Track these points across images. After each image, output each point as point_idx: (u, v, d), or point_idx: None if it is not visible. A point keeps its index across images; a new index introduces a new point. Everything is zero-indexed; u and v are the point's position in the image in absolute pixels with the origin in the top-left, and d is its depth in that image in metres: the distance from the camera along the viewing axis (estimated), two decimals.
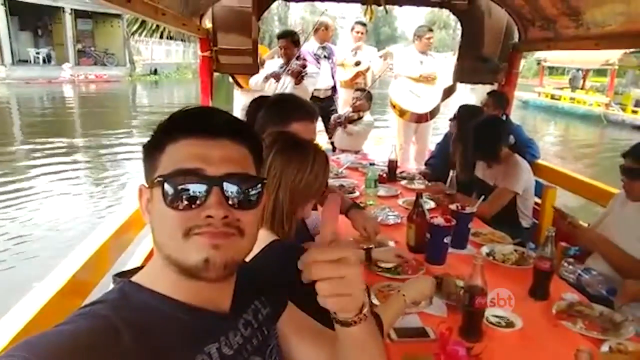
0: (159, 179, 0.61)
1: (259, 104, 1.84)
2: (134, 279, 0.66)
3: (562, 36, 2.41)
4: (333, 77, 4.35)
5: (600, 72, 17.47)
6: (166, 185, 0.60)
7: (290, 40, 3.63)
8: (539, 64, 19.39)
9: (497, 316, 1.30)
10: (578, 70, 17.51)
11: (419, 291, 1.25)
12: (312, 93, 4.06)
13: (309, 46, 4.18)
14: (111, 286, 0.67)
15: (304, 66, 3.60)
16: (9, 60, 18.35)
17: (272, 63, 3.82)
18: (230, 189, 0.61)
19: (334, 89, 4.38)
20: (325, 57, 4.25)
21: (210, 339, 0.64)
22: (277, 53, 3.96)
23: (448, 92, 3.96)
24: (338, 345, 0.70)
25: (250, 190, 0.63)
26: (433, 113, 4.05)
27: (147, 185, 0.65)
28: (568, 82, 18.37)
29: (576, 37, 2.29)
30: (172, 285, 0.63)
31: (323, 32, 4.21)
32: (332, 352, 0.75)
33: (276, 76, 3.53)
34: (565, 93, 16.87)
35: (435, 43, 4.33)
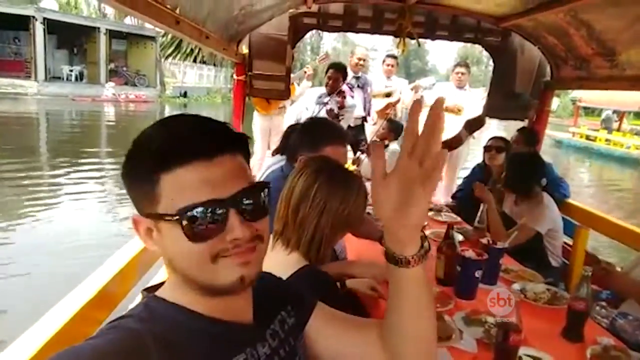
0: (171, 217, 0.60)
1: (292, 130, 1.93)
2: (158, 293, 0.68)
3: (595, 76, 2.45)
4: (365, 108, 4.49)
5: (639, 115, 17.18)
6: (185, 222, 0.59)
7: (340, 73, 3.84)
8: (574, 103, 19.25)
9: (530, 356, 1.28)
10: (614, 112, 17.28)
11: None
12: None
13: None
14: (139, 300, 0.70)
15: (342, 106, 3.78)
16: (42, 77, 19.51)
17: (312, 92, 4.04)
18: (245, 205, 0.63)
19: (364, 118, 4.52)
20: (359, 87, 4.44)
21: (236, 350, 0.66)
22: (301, 77, 4.30)
23: (474, 124, 3.94)
24: (393, 302, 0.71)
25: (260, 199, 0.65)
26: (452, 143, 3.98)
27: (145, 216, 0.64)
28: (600, 123, 18.10)
29: (610, 78, 2.33)
30: (193, 300, 0.65)
31: (362, 63, 4.43)
32: (380, 333, 0.77)
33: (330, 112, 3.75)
34: (600, 134, 16.62)
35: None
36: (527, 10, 2.38)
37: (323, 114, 3.73)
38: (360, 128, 4.45)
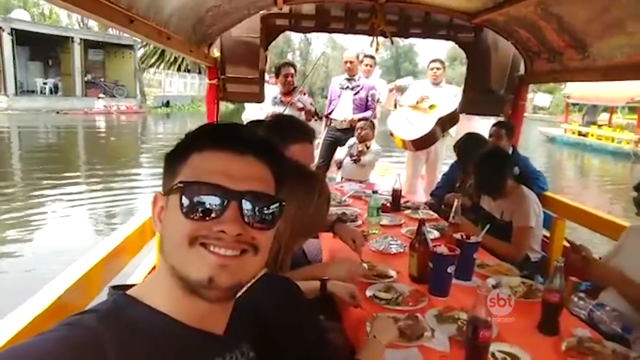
0: (178, 185, 0.63)
1: (256, 128, 1.94)
2: (129, 292, 0.66)
3: (568, 68, 2.51)
4: (356, 111, 4.45)
5: (633, 110, 17.52)
6: (184, 194, 0.62)
7: (294, 68, 4.08)
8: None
9: (503, 352, 1.28)
10: (594, 106, 17.76)
11: (388, 332, 1.25)
12: (330, 123, 4.43)
13: (338, 77, 4.64)
14: (105, 297, 0.68)
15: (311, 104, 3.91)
16: (12, 91, 19.02)
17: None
18: (248, 206, 0.63)
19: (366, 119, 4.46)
20: (349, 88, 4.49)
21: (202, 359, 0.66)
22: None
23: (448, 120, 3.98)
24: None
25: (267, 209, 0.65)
26: (426, 140, 4.01)
27: (163, 193, 0.67)
28: (582, 117, 18.49)
29: (582, 69, 2.39)
30: (170, 301, 0.64)
31: (348, 66, 4.52)
32: None
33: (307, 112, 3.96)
34: (592, 130, 16.98)
35: (457, 78, 4.54)
36: (498, 5, 2.43)
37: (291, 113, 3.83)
38: (348, 132, 4.37)
